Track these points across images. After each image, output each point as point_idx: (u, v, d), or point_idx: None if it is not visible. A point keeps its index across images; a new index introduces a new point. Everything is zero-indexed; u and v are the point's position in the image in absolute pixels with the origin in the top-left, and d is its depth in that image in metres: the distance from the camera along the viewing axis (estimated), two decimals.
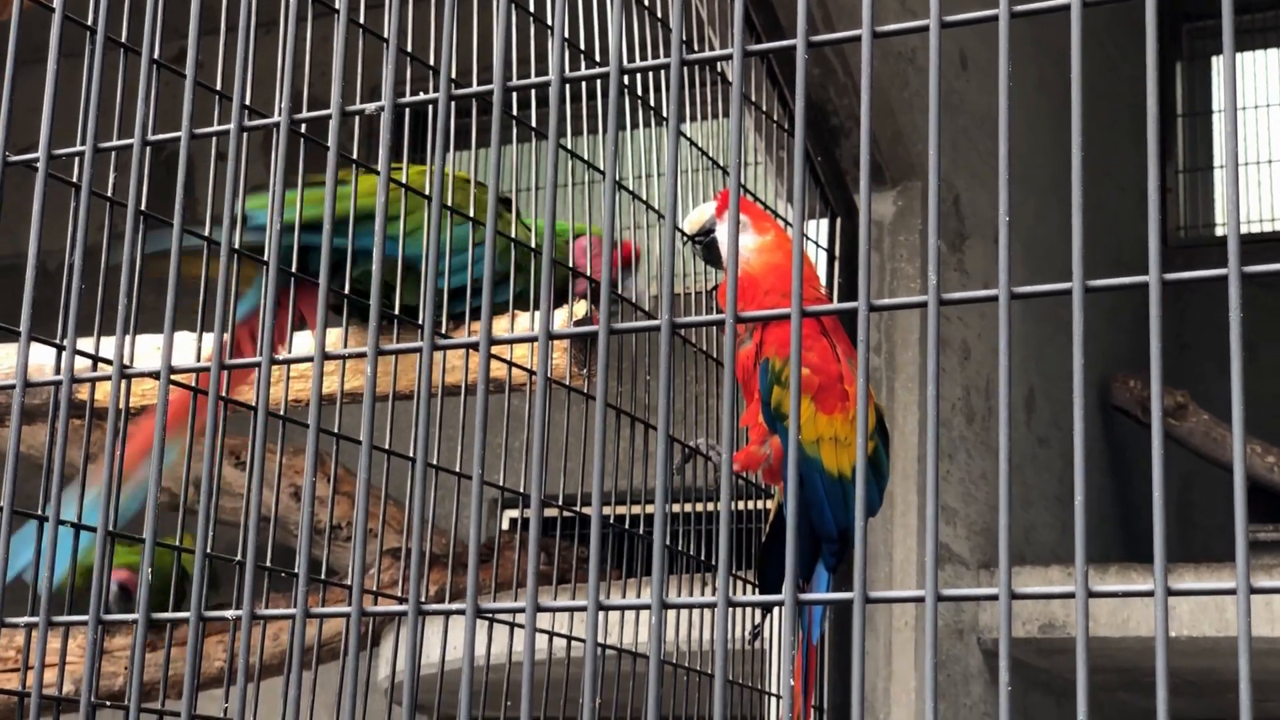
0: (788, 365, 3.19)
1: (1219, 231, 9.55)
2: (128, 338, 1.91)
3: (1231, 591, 1.26)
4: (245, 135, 1.75)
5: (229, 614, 1.53)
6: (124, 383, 1.88)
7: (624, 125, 3.54)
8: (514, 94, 1.62)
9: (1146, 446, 8.25)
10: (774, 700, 3.99)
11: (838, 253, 4.64)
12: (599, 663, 3.30)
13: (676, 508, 4.34)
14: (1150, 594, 1.30)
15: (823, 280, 4.42)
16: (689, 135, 3.82)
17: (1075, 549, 1.27)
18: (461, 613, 1.46)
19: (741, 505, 3.96)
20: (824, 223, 4.67)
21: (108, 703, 2.09)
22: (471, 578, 1.52)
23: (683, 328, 1.42)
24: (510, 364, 2.93)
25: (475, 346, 1.44)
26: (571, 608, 1.46)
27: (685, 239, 3.46)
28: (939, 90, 1.40)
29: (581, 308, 3.23)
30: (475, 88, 1.62)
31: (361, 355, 1.51)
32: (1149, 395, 6.46)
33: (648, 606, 1.41)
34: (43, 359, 2.39)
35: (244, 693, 1.51)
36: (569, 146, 3.33)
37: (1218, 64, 9.71)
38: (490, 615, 1.45)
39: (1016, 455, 6.19)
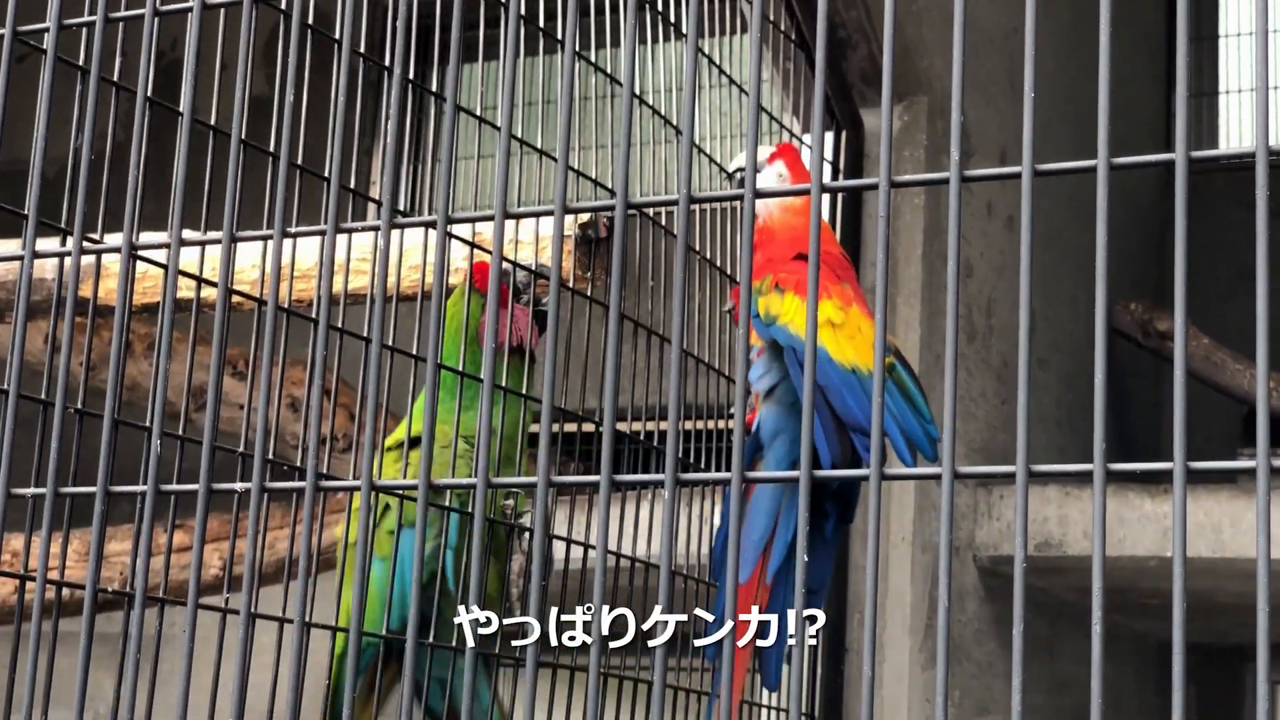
0: (765, 280, 3.14)
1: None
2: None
3: (1251, 470, 1.25)
4: (255, 10, 1.72)
5: (238, 485, 1.53)
6: (132, 264, 1.86)
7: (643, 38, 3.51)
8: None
9: (1145, 373, 8.20)
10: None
11: (843, 166, 4.62)
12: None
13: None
14: (1169, 473, 1.29)
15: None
16: (703, 50, 3.79)
17: (1095, 421, 1.27)
18: (471, 486, 1.46)
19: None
20: (829, 135, 4.65)
21: (110, 589, 2.09)
22: (482, 461, 1.51)
23: (700, 203, 1.41)
24: (515, 264, 2.91)
25: (490, 219, 1.42)
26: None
27: (726, 175, 3.46)
28: None
29: (585, 215, 3.21)
30: None
31: (374, 228, 1.50)
32: (1150, 318, 6.40)
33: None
34: (46, 260, 2.38)
35: (252, 568, 1.50)
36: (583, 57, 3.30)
37: None
38: (496, 486, 1.45)
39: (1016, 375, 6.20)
